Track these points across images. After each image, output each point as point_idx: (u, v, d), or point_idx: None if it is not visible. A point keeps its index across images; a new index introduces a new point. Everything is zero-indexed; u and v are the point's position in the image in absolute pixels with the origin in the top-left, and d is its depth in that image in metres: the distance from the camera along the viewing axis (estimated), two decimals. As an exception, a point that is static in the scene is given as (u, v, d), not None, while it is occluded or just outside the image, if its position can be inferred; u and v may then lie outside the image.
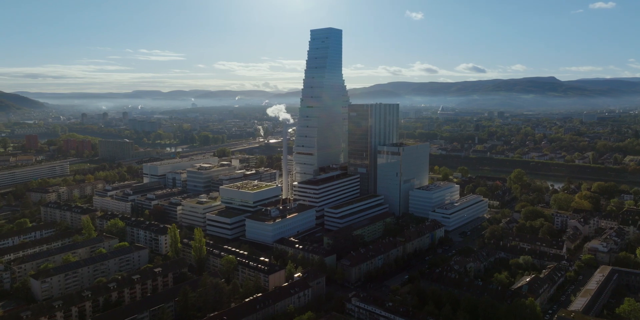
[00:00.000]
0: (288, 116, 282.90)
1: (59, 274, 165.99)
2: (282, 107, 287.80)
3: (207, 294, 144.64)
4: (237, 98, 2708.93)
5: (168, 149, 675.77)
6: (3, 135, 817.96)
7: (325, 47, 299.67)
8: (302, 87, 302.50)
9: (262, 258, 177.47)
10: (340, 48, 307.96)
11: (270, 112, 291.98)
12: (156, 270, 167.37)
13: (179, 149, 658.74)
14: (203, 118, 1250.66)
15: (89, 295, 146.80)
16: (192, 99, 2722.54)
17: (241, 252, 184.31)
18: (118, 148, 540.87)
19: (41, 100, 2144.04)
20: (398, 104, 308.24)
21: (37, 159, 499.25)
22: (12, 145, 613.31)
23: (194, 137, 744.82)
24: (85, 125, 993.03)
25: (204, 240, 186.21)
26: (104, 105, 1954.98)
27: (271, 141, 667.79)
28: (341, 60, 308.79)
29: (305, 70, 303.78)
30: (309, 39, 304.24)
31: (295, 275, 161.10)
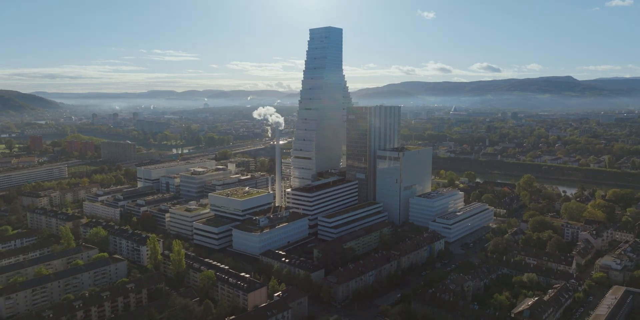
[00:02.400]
0: (281, 120, 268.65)
1: (26, 289, 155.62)
2: (272, 109, 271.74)
3: (175, 316, 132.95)
4: (249, 98, 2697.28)
5: (174, 150, 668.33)
6: (13, 135, 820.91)
7: (324, 47, 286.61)
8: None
9: (243, 273, 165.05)
10: (341, 48, 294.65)
11: (257, 114, 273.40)
12: (128, 286, 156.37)
13: (185, 150, 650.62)
14: (213, 118, 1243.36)
15: (50, 316, 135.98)
16: (205, 99, 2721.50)
17: (222, 266, 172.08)
18: (120, 150, 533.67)
19: (58, 101, 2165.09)
20: (400, 106, 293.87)
21: (39, 160, 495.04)
22: (17, 146, 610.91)
23: (200, 138, 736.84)
24: (95, 126, 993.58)
25: (183, 252, 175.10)
26: (117, 105, 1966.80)
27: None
28: (341, 60, 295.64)
29: (304, 71, 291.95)
30: (308, 39, 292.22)
31: (275, 294, 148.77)
